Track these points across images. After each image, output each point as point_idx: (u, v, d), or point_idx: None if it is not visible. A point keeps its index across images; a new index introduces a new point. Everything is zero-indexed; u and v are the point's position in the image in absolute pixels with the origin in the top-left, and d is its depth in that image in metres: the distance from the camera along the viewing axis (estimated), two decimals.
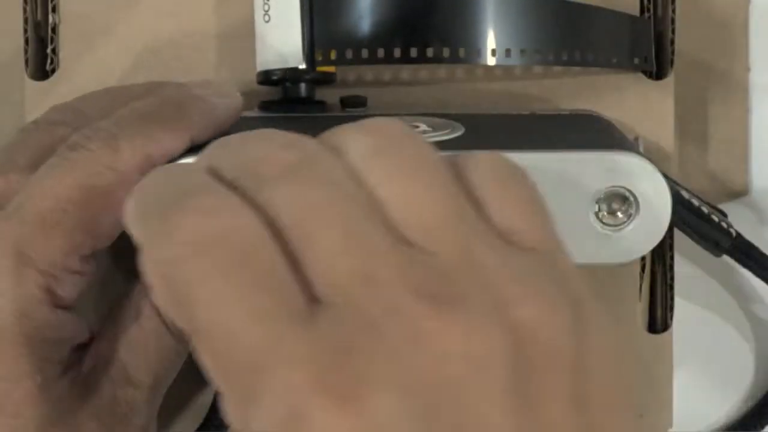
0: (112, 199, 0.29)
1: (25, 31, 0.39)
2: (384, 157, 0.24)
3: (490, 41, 0.36)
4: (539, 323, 0.23)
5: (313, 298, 0.22)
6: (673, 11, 0.40)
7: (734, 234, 0.39)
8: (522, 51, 0.36)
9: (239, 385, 0.22)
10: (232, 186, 0.24)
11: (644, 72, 0.40)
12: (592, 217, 0.32)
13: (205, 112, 0.32)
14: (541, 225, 0.25)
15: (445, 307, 0.22)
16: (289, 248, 0.23)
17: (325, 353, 0.21)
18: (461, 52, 0.36)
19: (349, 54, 0.36)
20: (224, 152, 0.25)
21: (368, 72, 0.40)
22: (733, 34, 0.41)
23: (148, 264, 0.23)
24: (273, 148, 0.24)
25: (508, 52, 0.36)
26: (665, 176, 0.32)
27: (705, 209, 0.38)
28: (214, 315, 0.22)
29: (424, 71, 0.40)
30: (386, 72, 0.40)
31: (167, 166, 0.30)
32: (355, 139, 0.25)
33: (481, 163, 0.25)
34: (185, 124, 0.31)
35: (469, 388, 0.21)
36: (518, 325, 0.22)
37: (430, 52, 0.36)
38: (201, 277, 0.22)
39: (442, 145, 0.32)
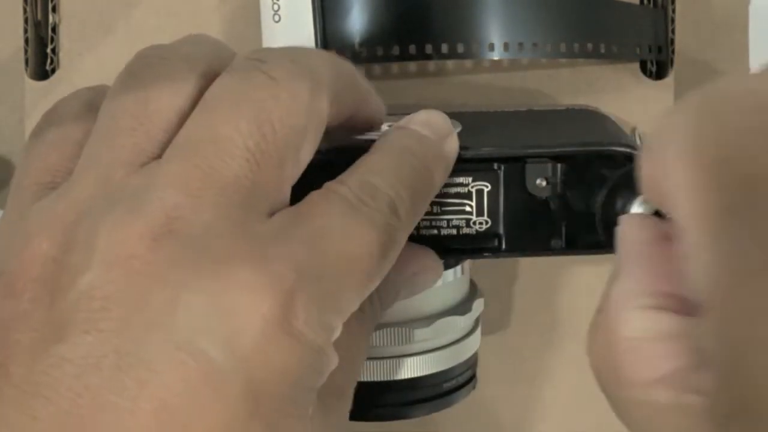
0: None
1: (25, 31, 0.39)
2: None
3: (516, 34, 0.36)
4: None
5: None
6: (673, 11, 0.40)
7: None
8: (534, 44, 0.36)
9: None
10: None
11: (644, 71, 0.40)
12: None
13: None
14: None
15: None
16: None
17: None
18: (474, 47, 0.36)
19: (363, 52, 0.36)
20: None
21: (366, 71, 0.40)
22: (733, 34, 0.41)
23: None
24: None
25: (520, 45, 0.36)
26: None
27: None
28: None
29: (418, 66, 0.40)
30: (379, 70, 0.40)
31: None
32: None
33: None
34: None
35: None
36: None
37: (444, 48, 0.36)
38: None
39: None
